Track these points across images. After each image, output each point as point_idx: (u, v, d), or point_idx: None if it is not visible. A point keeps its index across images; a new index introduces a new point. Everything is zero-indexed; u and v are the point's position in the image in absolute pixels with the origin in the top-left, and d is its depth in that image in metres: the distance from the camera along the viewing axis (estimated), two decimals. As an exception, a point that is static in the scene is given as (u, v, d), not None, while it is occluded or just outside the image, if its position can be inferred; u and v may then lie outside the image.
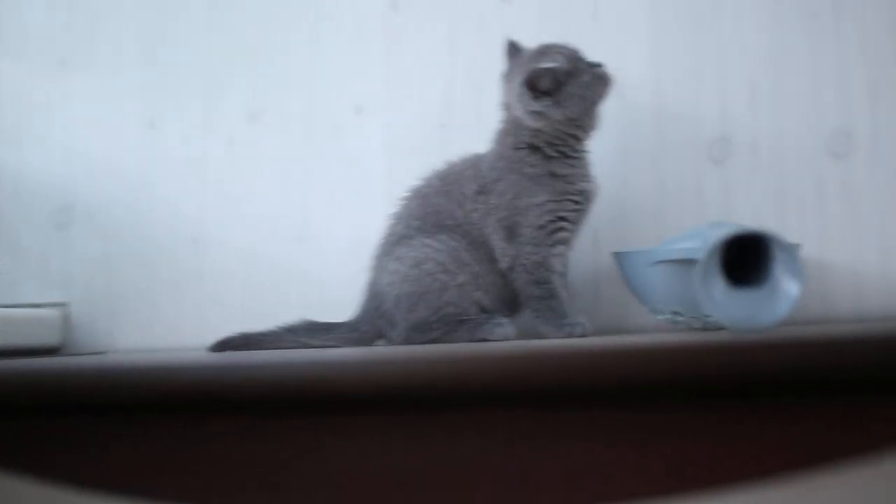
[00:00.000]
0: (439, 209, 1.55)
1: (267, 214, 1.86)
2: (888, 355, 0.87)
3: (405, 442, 0.91)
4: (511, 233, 1.50)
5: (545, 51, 1.54)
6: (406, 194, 1.60)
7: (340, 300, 1.60)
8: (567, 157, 1.52)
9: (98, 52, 1.95)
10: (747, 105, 1.71)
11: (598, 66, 1.53)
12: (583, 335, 1.45)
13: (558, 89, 1.49)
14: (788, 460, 0.87)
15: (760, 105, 1.71)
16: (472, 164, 1.57)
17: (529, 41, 1.62)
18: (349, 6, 1.86)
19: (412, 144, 1.80)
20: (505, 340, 1.46)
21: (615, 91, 1.56)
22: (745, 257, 1.23)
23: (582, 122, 1.53)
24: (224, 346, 1.55)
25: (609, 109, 1.58)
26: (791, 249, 1.20)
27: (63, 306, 1.89)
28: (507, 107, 1.56)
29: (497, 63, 1.63)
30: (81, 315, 1.90)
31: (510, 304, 1.54)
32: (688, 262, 1.32)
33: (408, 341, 1.50)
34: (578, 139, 1.54)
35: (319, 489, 0.92)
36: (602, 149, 1.59)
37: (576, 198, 1.52)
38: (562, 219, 1.50)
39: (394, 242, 1.56)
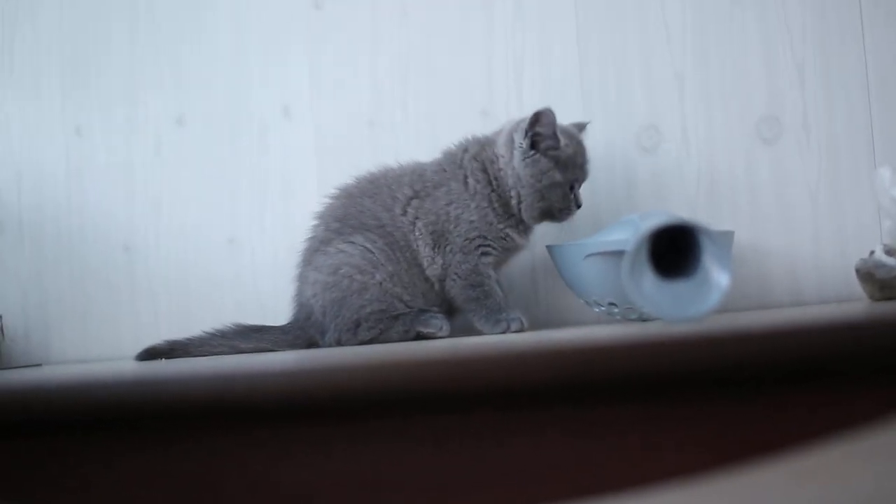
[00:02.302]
0: (363, 210, 1.55)
1: (197, 218, 1.84)
2: (827, 347, 0.87)
3: (345, 451, 0.90)
4: (439, 240, 1.52)
5: (571, 131, 1.56)
6: (333, 192, 1.59)
7: (274, 301, 1.60)
8: (512, 212, 1.54)
9: (19, 59, 1.91)
10: (676, 93, 1.71)
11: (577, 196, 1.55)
12: (519, 330, 1.46)
13: (549, 149, 1.50)
14: (720, 455, 0.87)
15: (689, 93, 1.71)
16: (413, 171, 1.58)
17: (451, 36, 1.61)
18: (272, 6, 1.84)
19: (341, 143, 1.79)
20: (441, 332, 1.48)
21: (541, 85, 1.57)
22: (679, 247, 1.23)
23: (537, 204, 1.52)
24: (150, 354, 1.53)
25: (536, 102, 1.57)
26: (720, 240, 1.20)
27: (-5, 319, 1.86)
28: (485, 144, 1.57)
29: (421, 57, 1.62)
30: (15, 328, 1.86)
31: (437, 305, 1.55)
32: (619, 254, 1.31)
33: (340, 343, 1.50)
34: (525, 220, 1.55)
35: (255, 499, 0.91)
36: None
37: (503, 241, 1.54)
38: (488, 244, 1.52)
39: (313, 250, 1.56)
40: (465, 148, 1.57)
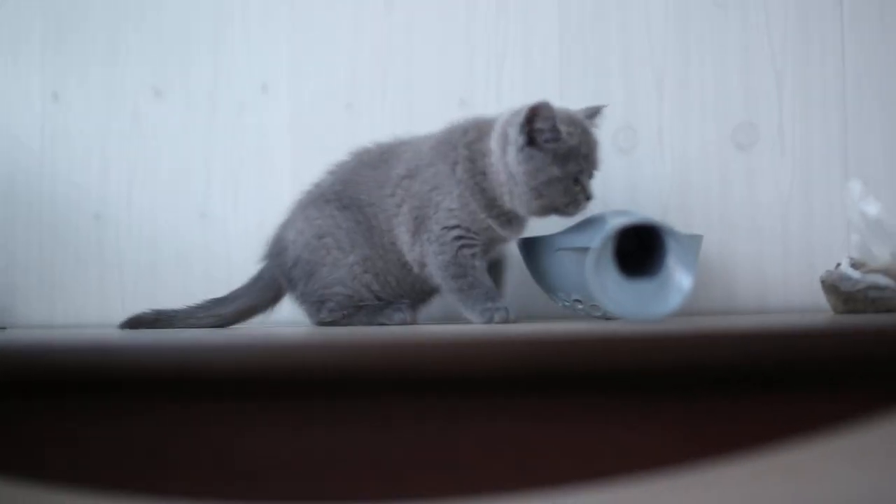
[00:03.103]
0: (361, 181, 1.53)
1: (170, 190, 1.83)
2: (789, 350, 0.87)
3: (301, 429, 0.90)
4: (419, 226, 1.48)
5: (572, 118, 1.45)
6: (352, 152, 1.57)
7: (243, 277, 1.59)
8: (500, 204, 1.47)
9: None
10: (654, 95, 1.71)
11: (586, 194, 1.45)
12: (504, 321, 1.40)
13: (548, 142, 1.40)
14: (682, 452, 0.87)
15: (667, 95, 1.71)
16: (417, 145, 1.54)
17: (433, 24, 1.62)
18: (255, -19, 1.84)
19: (318, 123, 1.79)
20: (403, 324, 1.46)
21: (522, 80, 1.56)
22: (646, 246, 1.23)
23: (535, 202, 1.43)
24: (135, 323, 1.52)
25: (515, 96, 1.57)
26: (686, 242, 1.20)
27: (-40, 281, 1.85)
28: (483, 128, 1.49)
29: (402, 43, 1.62)
30: (-21, 290, 1.86)
31: (409, 292, 1.54)
32: (585, 251, 1.31)
33: (308, 315, 1.52)
34: (518, 213, 1.47)
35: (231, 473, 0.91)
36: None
37: (486, 231, 1.47)
38: (469, 235, 1.47)
39: (312, 200, 1.55)
40: (465, 130, 1.49)
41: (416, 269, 1.50)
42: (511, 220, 1.47)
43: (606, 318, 1.45)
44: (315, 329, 1.38)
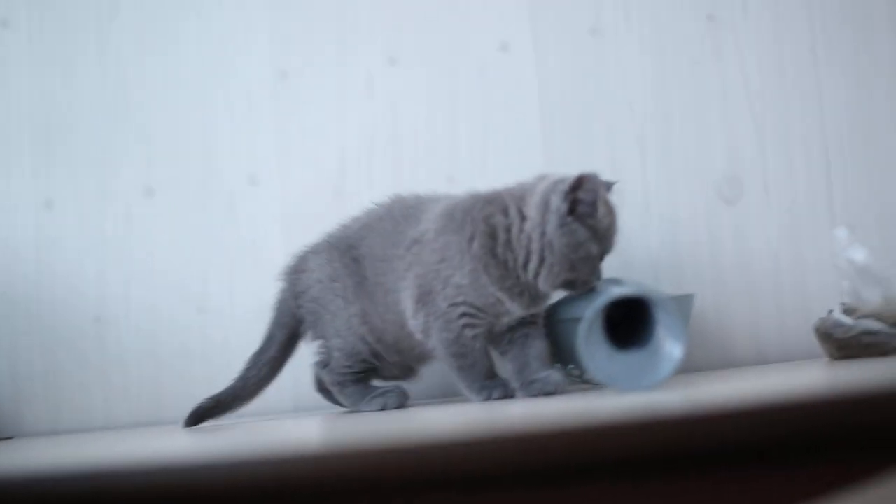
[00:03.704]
0: (380, 234, 1.52)
1: (167, 288, 1.84)
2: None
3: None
4: (423, 297, 1.44)
5: (609, 202, 1.44)
6: (385, 201, 1.57)
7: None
8: (516, 276, 1.42)
9: (-10, 133, 1.93)
10: (638, 155, 1.73)
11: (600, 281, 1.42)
12: (503, 397, 1.40)
13: (586, 216, 1.38)
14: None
15: (650, 154, 1.73)
16: (436, 208, 1.50)
17: (418, 104, 1.63)
18: (238, 77, 1.87)
19: (308, 212, 1.80)
20: (384, 410, 1.47)
21: (505, 150, 1.58)
22: (637, 313, 1.24)
23: (564, 274, 1.40)
24: (198, 417, 1.52)
25: (501, 166, 1.59)
26: (674, 311, 1.21)
27: (-35, 393, 1.85)
28: (512, 198, 1.44)
29: (387, 126, 1.64)
30: (-14, 400, 1.87)
31: (405, 352, 1.53)
32: (577, 321, 1.32)
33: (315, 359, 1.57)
34: (538, 287, 1.42)
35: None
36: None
37: (493, 307, 1.43)
38: (473, 313, 1.43)
39: (335, 241, 1.57)
40: (483, 203, 1.44)
41: (417, 337, 1.47)
42: (523, 291, 1.41)
43: (602, 386, 1.45)
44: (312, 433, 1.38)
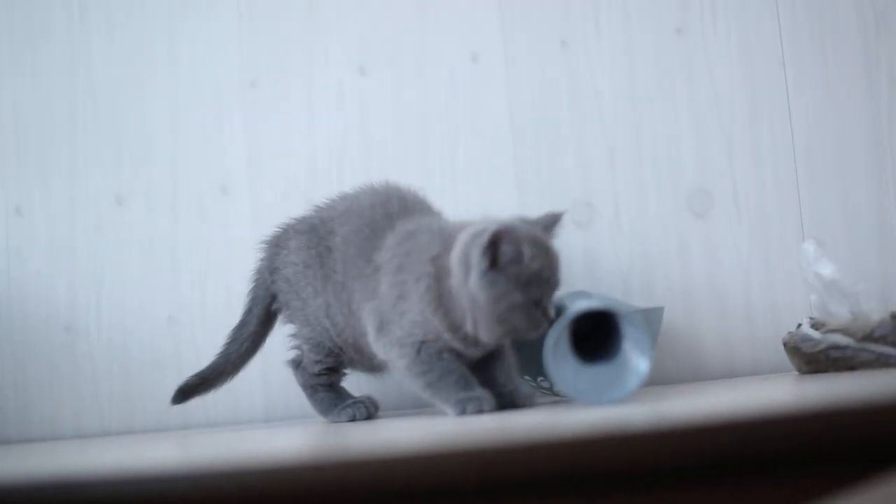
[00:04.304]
0: (352, 240, 1.46)
1: (138, 297, 1.84)
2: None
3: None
4: (383, 326, 1.40)
5: (537, 240, 1.33)
6: (371, 187, 1.53)
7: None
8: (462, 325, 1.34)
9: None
10: (607, 169, 1.73)
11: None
12: (478, 412, 1.31)
13: (510, 265, 1.28)
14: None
15: (620, 166, 1.73)
16: (398, 234, 1.43)
17: (388, 114, 1.64)
18: (208, 85, 1.86)
19: (278, 220, 1.78)
20: (353, 421, 1.46)
21: (476, 162, 1.58)
22: (605, 326, 1.25)
23: (497, 328, 1.31)
24: (184, 394, 1.56)
25: (470, 179, 1.59)
26: (641, 325, 1.21)
27: (-65, 402, 1.84)
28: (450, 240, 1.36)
29: (357, 136, 1.64)
30: (-44, 409, 1.86)
31: (366, 361, 1.49)
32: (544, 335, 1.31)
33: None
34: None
35: None
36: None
37: (450, 350, 1.36)
38: (429, 340, 1.36)
39: (312, 225, 1.53)
40: (431, 240, 1.38)
41: (379, 357, 1.43)
42: (477, 342, 1.35)
43: (569, 398, 1.44)
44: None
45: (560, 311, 1.28)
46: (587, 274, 1.70)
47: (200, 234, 1.84)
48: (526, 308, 1.29)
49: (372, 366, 1.50)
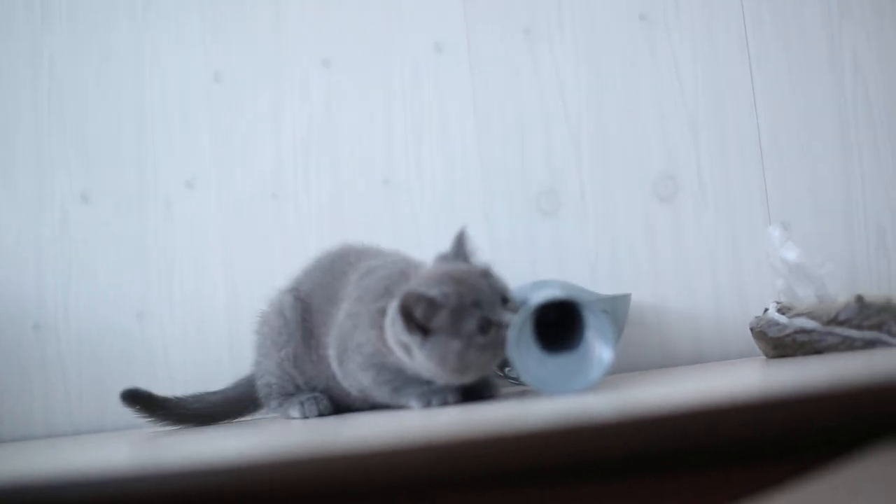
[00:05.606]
0: (321, 287, 1.47)
1: (106, 294, 1.83)
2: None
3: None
4: (341, 354, 1.39)
5: (441, 278, 1.29)
6: (334, 251, 1.51)
7: (183, 374, 1.60)
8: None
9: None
10: (573, 154, 1.73)
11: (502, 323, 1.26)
12: (443, 403, 1.30)
13: (431, 317, 1.25)
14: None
15: (586, 154, 1.73)
16: (358, 271, 1.43)
17: (353, 106, 1.64)
18: (172, 80, 1.85)
19: (245, 214, 1.79)
20: (304, 417, 1.43)
21: (441, 152, 1.58)
22: (569, 316, 1.24)
23: (459, 377, 1.28)
24: (133, 397, 1.53)
25: (436, 168, 1.59)
26: (603, 317, 1.21)
27: None
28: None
29: (323, 129, 1.64)
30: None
31: (340, 398, 1.46)
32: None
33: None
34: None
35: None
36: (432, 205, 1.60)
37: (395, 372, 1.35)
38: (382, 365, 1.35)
39: (289, 285, 1.51)
40: (378, 291, 1.36)
41: (351, 392, 1.41)
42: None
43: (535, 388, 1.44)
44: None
45: (524, 302, 1.28)
46: (555, 261, 1.70)
47: (167, 230, 1.83)
48: (475, 344, 1.25)
49: (348, 402, 1.45)
